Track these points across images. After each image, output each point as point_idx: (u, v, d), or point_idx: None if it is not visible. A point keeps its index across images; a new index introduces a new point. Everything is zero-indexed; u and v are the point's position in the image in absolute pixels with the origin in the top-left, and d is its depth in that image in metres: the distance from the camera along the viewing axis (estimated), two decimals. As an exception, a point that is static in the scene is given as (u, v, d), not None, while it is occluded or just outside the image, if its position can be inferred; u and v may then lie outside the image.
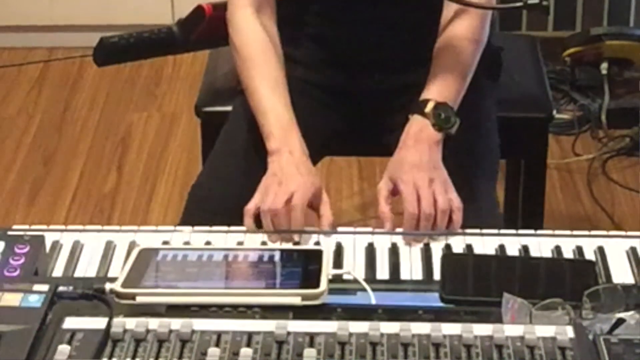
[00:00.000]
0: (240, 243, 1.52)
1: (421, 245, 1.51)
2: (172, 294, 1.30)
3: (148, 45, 2.25)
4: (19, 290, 1.26)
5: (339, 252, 1.49)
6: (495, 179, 1.86)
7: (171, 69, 3.57)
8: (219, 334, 1.21)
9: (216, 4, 2.16)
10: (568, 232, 1.53)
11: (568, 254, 1.48)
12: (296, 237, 1.54)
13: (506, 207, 2.38)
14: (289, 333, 1.20)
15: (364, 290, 1.38)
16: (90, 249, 1.49)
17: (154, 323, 1.21)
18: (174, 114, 3.35)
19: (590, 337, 1.21)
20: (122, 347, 1.19)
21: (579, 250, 1.49)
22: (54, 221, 2.78)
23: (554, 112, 2.24)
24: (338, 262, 1.47)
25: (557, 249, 1.49)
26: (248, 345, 1.19)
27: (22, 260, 1.37)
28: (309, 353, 1.17)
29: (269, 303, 1.29)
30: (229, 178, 1.79)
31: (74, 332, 1.20)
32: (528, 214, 2.30)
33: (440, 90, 1.73)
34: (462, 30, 1.78)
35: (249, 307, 1.28)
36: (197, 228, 1.54)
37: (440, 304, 1.37)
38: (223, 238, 1.52)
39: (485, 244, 1.51)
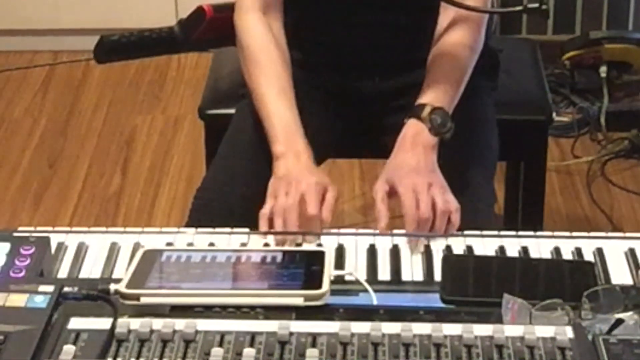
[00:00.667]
0: (243, 244, 1.52)
1: (422, 246, 1.52)
2: (176, 294, 1.31)
3: (148, 44, 2.25)
4: (25, 291, 1.26)
5: (341, 253, 1.50)
6: (493, 170, 1.87)
7: (175, 72, 3.58)
8: (223, 334, 1.21)
9: (217, 5, 2.17)
10: (567, 234, 1.53)
11: (567, 255, 1.49)
12: (299, 239, 1.55)
13: (506, 209, 2.38)
14: (291, 333, 1.21)
15: (366, 291, 1.39)
16: (95, 250, 1.50)
17: (158, 323, 1.22)
18: (178, 117, 3.36)
19: (590, 337, 1.21)
20: (127, 347, 1.19)
21: (578, 251, 1.49)
22: (59, 223, 2.79)
23: (554, 114, 2.25)
24: (340, 263, 1.47)
25: (557, 250, 1.49)
26: (251, 345, 1.19)
27: (27, 262, 1.37)
28: (312, 353, 1.17)
29: (271, 304, 1.29)
30: (234, 181, 1.79)
31: (79, 333, 1.21)
32: (528, 215, 2.31)
33: (436, 95, 1.74)
34: (459, 37, 1.79)
35: (252, 307, 1.29)
36: (200, 230, 1.55)
37: (441, 305, 1.37)
38: (226, 239, 1.53)
39: (485, 245, 1.51)
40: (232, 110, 1.98)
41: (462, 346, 1.19)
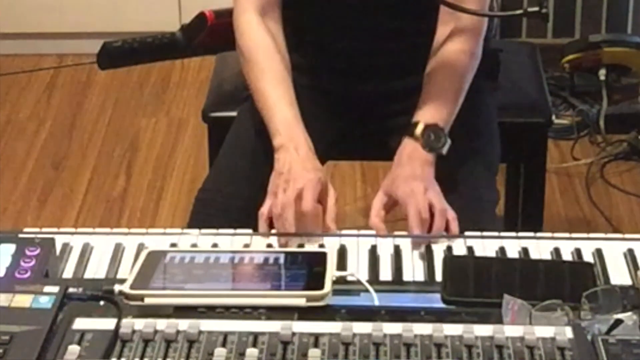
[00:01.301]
0: (246, 245, 1.53)
1: (423, 247, 1.52)
2: (180, 295, 1.32)
3: (151, 50, 2.26)
4: (30, 291, 1.27)
5: (342, 254, 1.50)
6: (495, 170, 1.88)
7: (179, 75, 3.59)
8: (226, 335, 1.21)
9: (218, 11, 2.18)
10: (567, 235, 1.53)
11: (567, 256, 1.49)
12: (301, 240, 1.55)
13: (506, 211, 2.39)
14: (294, 334, 1.21)
15: (367, 291, 1.39)
16: (99, 251, 1.51)
17: (161, 324, 1.22)
18: (182, 119, 3.37)
19: (589, 337, 1.22)
20: (131, 348, 1.20)
21: (578, 252, 1.50)
22: (64, 224, 2.80)
23: (553, 117, 2.26)
24: (342, 264, 1.48)
25: (556, 251, 1.50)
26: (254, 345, 1.20)
27: (32, 263, 1.38)
28: (314, 353, 1.18)
29: (274, 304, 1.30)
30: (235, 181, 1.80)
31: (83, 333, 1.21)
32: (528, 217, 2.31)
33: (430, 112, 1.74)
34: (458, 45, 1.79)
35: (255, 308, 1.29)
36: (204, 231, 1.55)
37: (442, 305, 1.38)
38: (229, 240, 1.53)
39: (485, 246, 1.52)
40: (234, 113, 1.99)
41: (462, 346, 1.20)
